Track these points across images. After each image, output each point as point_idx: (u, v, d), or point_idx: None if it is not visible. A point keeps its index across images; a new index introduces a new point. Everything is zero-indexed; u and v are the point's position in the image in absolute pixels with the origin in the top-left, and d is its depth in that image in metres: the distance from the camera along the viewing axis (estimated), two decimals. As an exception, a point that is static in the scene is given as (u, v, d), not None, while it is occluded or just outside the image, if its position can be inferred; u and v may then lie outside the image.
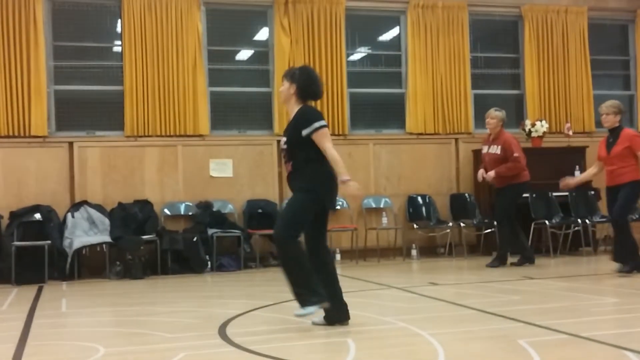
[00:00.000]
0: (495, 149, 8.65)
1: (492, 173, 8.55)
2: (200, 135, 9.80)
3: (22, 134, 9.20)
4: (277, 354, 4.23)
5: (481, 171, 8.77)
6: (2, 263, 8.51)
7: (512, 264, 8.62)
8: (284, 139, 5.13)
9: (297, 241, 4.96)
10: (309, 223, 5.02)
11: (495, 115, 8.72)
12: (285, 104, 5.24)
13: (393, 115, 10.78)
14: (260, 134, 10.12)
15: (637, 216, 10.02)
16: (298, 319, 5.09)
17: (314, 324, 5.11)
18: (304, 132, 4.95)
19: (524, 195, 9.16)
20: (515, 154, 8.52)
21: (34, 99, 9.22)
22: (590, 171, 8.07)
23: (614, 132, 7.62)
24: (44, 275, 8.38)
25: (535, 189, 9.83)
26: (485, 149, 8.85)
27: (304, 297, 4.92)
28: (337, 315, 5.10)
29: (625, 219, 7.62)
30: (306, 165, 5.00)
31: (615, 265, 7.68)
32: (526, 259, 8.68)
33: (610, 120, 7.63)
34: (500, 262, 8.66)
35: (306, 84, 5.07)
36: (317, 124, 4.96)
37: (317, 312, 4.94)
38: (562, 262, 9.13)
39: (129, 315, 6.06)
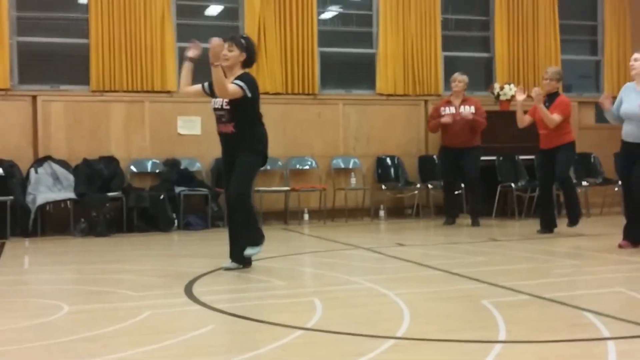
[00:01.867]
0: (469, 109, 9.05)
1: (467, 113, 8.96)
2: (167, 92, 9.64)
3: (-17, 87, 8.96)
4: (244, 313, 4.24)
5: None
6: (-37, 218, 8.36)
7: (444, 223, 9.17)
8: (221, 101, 5.57)
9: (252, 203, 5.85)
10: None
11: (462, 78, 9.20)
12: (227, 68, 5.60)
13: (363, 75, 10.71)
14: (228, 92, 9.97)
15: (600, 180, 10.25)
16: (259, 279, 5.11)
17: (226, 269, 5.72)
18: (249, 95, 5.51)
19: (491, 158, 9.70)
20: (484, 115, 9.13)
21: (-5, 50, 8.96)
22: (525, 118, 8.13)
23: (551, 98, 7.92)
24: (5, 231, 8.25)
25: (502, 152, 9.92)
26: (449, 110, 9.06)
27: (256, 238, 5.68)
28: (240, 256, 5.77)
29: (570, 180, 8.06)
30: (250, 128, 5.58)
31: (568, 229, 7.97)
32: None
33: (552, 86, 7.98)
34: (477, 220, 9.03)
35: (252, 53, 5.68)
36: (238, 81, 5.51)
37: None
38: (527, 224, 9.25)
39: (94, 273, 6.01)
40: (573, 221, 7.92)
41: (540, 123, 7.87)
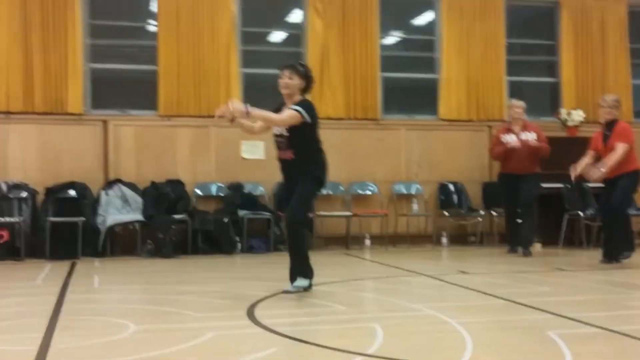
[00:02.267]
0: (531, 136, 8.82)
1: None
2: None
3: (58, 111, 9.31)
4: (305, 337, 4.25)
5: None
6: (37, 238, 8.67)
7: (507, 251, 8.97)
8: (281, 127, 5.60)
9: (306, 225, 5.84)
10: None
11: (520, 104, 8.98)
12: (287, 95, 5.67)
13: (426, 100, 10.70)
14: (292, 117, 10.09)
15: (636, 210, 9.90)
16: (320, 303, 5.12)
17: (285, 292, 5.72)
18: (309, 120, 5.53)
19: (557, 185, 9.42)
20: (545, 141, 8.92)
21: (70, 76, 9.32)
22: (584, 161, 7.89)
23: (610, 125, 7.69)
24: (77, 251, 8.52)
25: (570, 180, 9.68)
26: (511, 138, 8.83)
27: (306, 271, 5.71)
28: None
29: (625, 210, 7.70)
30: (310, 154, 5.62)
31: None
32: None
33: (612, 114, 7.73)
34: (530, 249, 8.73)
35: (310, 80, 5.72)
36: (297, 107, 5.53)
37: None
38: (595, 254, 8.98)
39: (159, 294, 6.13)
40: (618, 254, 7.62)
41: (604, 152, 7.63)
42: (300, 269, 5.72)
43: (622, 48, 11.10)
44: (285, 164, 5.74)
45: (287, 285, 5.84)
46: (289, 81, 5.62)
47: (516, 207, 8.90)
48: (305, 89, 5.73)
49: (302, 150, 5.60)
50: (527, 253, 8.65)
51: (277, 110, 5.73)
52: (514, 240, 9.03)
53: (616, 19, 11.10)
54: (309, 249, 5.90)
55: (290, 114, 5.52)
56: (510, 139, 8.85)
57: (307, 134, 5.60)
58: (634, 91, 11.10)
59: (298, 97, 5.67)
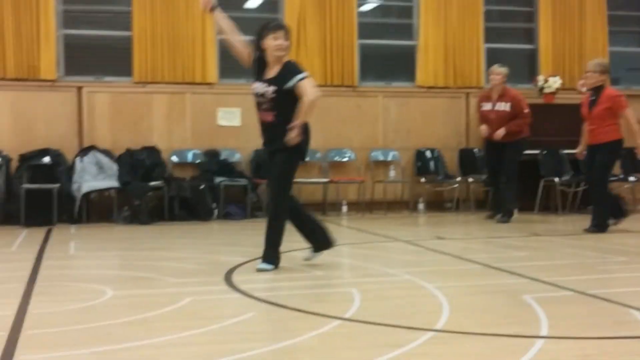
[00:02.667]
0: (504, 106, 8.64)
1: (501, 131, 8.52)
2: (208, 84, 9.73)
3: (31, 78, 9.15)
4: (283, 302, 4.27)
5: (483, 126, 8.72)
6: (11, 205, 8.57)
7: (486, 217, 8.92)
8: (268, 88, 5.20)
9: (288, 203, 5.36)
10: None
11: (499, 71, 8.74)
12: (278, 58, 5.26)
13: (403, 67, 10.66)
14: (269, 84, 10.02)
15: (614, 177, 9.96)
16: (298, 269, 5.14)
17: (306, 259, 5.50)
18: (292, 82, 5.14)
19: (534, 152, 9.29)
20: (526, 110, 8.63)
21: (43, 42, 9.14)
22: (585, 129, 7.90)
23: (597, 91, 7.54)
24: (52, 217, 8.45)
25: (546, 146, 9.77)
26: (487, 106, 8.78)
27: (274, 255, 5.29)
28: (326, 242, 5.51)
29: (605, 180, 7.67)
30: (291, 120, 5.12)
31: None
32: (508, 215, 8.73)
33: (595, 78, 7.50)
34: (509, 216, 8.66)
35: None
36: (305, 73, 5.21)
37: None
38: (571, 220, 9.12)
39: (137, 260, 6.11)
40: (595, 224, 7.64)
41: (588, 118, 7.58)
42: (271, 250, 5.32)
43: (600, 15, 11.10)
44: (265, 127, 5.34)
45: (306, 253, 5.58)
46: (287, 43, 5.23)
47: (497, 174, 8.83)
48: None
49: (284, 114, 5.16)
50: (502, 220, 8.62)
51: (260, 64, 5.32)
52: (494, 206, 9.05)
53: (594, -14, 11.10)
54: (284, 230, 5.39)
55: (311, 84, 5.19)
56: (487, 107, 8.81)
57: (293, 97, 5.17)
58: (612, 58, 11.12)
59: (284, 60, 5.27)
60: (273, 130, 5.25)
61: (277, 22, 5.51)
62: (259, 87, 5.28)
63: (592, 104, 7.55)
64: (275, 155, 5.28)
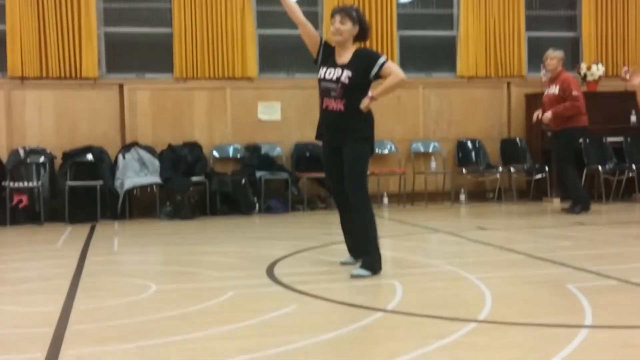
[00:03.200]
0: (554, 89, 8.34)
1: (548, 114, 8.25)
2: (248, 78, 9.78)
3: (73, 76, 9.31)
4: (324, 294, 4.28)
5: (537, 112, 8.51)
6: (55, 202, 8.74)
7: (564, 210, 8.41)
8: (344, 72, 4.88)
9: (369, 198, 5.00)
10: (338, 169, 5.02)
11: (554, 55, 8.40)
12: (339, 43, 4.97)
13: (444, 58, 10.56)
14: (308, 77, 9.97)
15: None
16: (340, 262, 5.15)
17: (343, 263, 5.19)
18: (377, 67, 4.86)
19: (580, 140, 8.85)
20: (575, 93, 8.20)
21: (84, 41, 9.29)
22: None
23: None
24: (96, 214, 8.59)
25: (589, 134, 9.56)
26: (546, 91, 8.54)
27: (374, 260, 4.88)
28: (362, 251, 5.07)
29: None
30: (359, 110, 4.85)
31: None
32: (582, 206, 8.33)
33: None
34: (582, 207, 8.24)
35: (365, 26, 5.04)
36: (382, 58, 4.93)
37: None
38: (615, 208, 8.95)
39: (180, 254, 6.19)
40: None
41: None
42: (367, 254, 4.92)
43: (643, 0, 10.86)
44: (330, 117, 4.95)
45: (345, 256, 5.28)
46: (340, 26, 4.91)
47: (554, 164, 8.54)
48: (360, 36, 5.01)
49: (356, 103, 4.83)
50: (571, 211, 8.23)
51: (326, 50, 5.07)
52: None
53: (638, -30, 10.84)
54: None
55: (396, 65, 5.02)
56: (546, 92, 8.53)
57: (365, 87, 4.88)
58: (655, 44, 10.90)
59: (352, 46, 4.99)
60: (342, 120, 4.90)
61: (335, 7, 5.18)
62: (331, 72, 4.93)
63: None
64: (345, 148, 4.93)
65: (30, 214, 8.61)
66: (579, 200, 8.32)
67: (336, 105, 4.91)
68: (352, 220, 5.06)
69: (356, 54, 4.96)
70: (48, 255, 6.31)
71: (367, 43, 9.95)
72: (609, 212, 8.67)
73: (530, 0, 10.73)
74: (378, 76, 4.90)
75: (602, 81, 10.24)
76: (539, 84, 9.88)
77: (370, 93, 4.83)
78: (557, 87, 8.32)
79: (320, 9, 10.05)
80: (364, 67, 4.90)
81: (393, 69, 4.90)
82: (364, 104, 4.82)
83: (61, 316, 3.89)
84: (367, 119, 4.95)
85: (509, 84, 10.52)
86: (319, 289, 4.45)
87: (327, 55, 5.06)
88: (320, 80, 5.02)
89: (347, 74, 4.88)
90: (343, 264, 5.21)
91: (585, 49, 10.74)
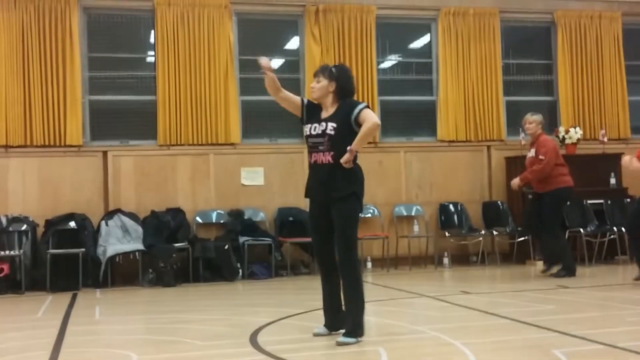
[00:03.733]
0: (532, 152, 8.48)
1: (516, 180, 8.47)
2: (231, 144, 9.86)
3: (57, 144, 9.33)
4: (309, 362, 4.23)
5: (515, 180, 8.63)
6: (37, 271, 8.64)
7: (551, 274, 8.39)
8: (328, 124, 4.91)
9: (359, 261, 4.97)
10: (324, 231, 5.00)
11: (533, 119, 8.54)
12: (319, 100, 5.06)
13: (424, 123, 10.73)
14: (291, 142, 10.13)
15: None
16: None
17: (316, 335, 5.06)
18: (356, 111, 4.86)
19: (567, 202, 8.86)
20: (541, 157, 8.29)
21: (69, 109, 9.36)
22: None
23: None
24: (78, 282, 8.48)
25: (565, 197, 9.68)
26: (528, 154, 8.64)
27: (358, 327, 4.83)
28: (338, 323, 5.02)
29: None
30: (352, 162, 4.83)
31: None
32: (567, 271, 8.33)
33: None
34: (568, 273, 8.25)
35: (345, 81, 5.03)
36: (363, 104, 4.97)
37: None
38: (598, 271, 8.99)
39: (162, 323, 6.10)
40: None
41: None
42: (353, 319, 4.84)
43: (617, 65, 11.16)
44: (320, 171, 4.92)
45: (318, 326, 5.13)
46: (315, 84, 5.03)
47: (538, 227, 8.53)
48: (342, 92, 5.00)
49: (343, 154, 4.80)
50: (558, 275, 8.24)
51: (310, 109, 5.11)
52: (544, 258, 8.64)
53: (611, 37, 11.17)
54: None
55: (372, 113, 4.95)
56: (528, 155, 8.65)
57: (351, 137, 4.83)
58: (632, 107, 11.14)
59: (335, 103, 5.00)
60: (331, 173, 4.85)
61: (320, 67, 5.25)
62: (316, 127, 4.97)
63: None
64: (334, 207, 4.87)
65: (12, 283, 8.47)
66: (567, 265, 8.32)
67: (325, 158, 4.89)
68: (334, 287, 4.98)
69: (340, 105, 4.99)
70: (28, 325, 6.20)
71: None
72: (591, 275, 8.70)
73: (508, 66, 11.00)
74: (358, 123, 4.86)
75: (580, 144, 10.43)
76: (518, 147, 10.06)
77: (348, 147, 4.79)
78: (534, 150, 8.46)
79: (302, 75, 10.23)
80: (346, 114, 4.90)
81: (368, 115, 4.88)
82: (345, 158, 4.77)
83: (40, 389, 3.81)
84: (357, 173, 4.91)
85: (489, 148, 10.68)
86: (303, 357, 4.41)
87: (312, 112, 5.08)
88: (307, 138, 5.04)
89: (331, 125, 4.90)
90: (316, 335, 5.05)
91: (562, 113, 10.97)
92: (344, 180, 4.85)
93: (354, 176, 4.89)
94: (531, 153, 8.51)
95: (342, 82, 5.01)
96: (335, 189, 4.86)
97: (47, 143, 9.30)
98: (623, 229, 9.36)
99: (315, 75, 5.09)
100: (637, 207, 7.67)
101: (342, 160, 4.79)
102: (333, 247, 4.98)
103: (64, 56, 9.37)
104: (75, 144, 9.37)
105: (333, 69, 5.06)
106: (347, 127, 4.87)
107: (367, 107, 4.97)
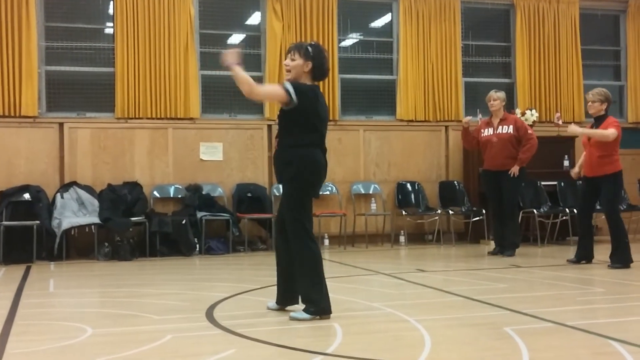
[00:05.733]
0: (507, 129, 8.52)
1: (516, 169, 8.40)
2: (191, 119, 9.78)
3: (12, 114, 9.15)
4: (264, 337, 4.26)
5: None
6: (-10, 243, 8.50)
7: (502, 254, 8.57)
8: (280, 112, 4.91)
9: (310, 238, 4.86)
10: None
11: (497, 96, 8.63)
12: (291, 79, 4.82)
13: (384, 101, 10.79)
14: (250, 118, 10.11)
15: (624, 207, 10.02)
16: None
17: (269, 308, 5.12)
18: (295, 102, 4.69)
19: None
20: (530, 132, 8.56)
21: (24, 79, 9.16)
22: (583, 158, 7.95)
23: (599, 121, 7.51)
24: (32, 255, 8.38)
25: (526, 177, 9.87)
26: (487, 132, 8.66)
27: (316, 303, 4.80)
28: (292, 298, 5.06)
29: (618, 212, 7.56)
30: (289, 148, 4.79)
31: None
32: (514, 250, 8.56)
33: (595, 108, 7.49)
34: (513, 250, 8.47)
35: (321, 62, 4.85)
36: (287, 83, 4.76)
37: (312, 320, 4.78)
38: (550, 251, 9.20)
39: (117, 297, 6.07)
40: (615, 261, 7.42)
41: (588, 147, 7.49)
42: (307, 293, 4.84)
43: (574, 49, 11.36)
44: (274, 156, 5.01)
45: (271, 300, 5.18)
46: (289, 62, 4.81)
47: (499, 207, 8.58)
48: (316, 73, 4.83)
49: (286, 140, 4.79)
50: (509, 254, 8.41)
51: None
52: (497, 241, 8.73)
53: (569, 21, 11.35)
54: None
55: (272, 87, 4.75)
56: (488, 132, 8.67)
57: (292, 121, 4.76)
58: (586, 91, 11.32)
59: (306, 82, 4.84)
60: (277, 157, 4.90)
61: (291, 44, 5.07)
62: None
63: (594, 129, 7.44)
64: (282, 187, 4.95)
65: (-38, 255, 8.34)
66: (516, 245, 8.56)
67: (276, 143, 4.93)
68: (286, 261, 4.98)
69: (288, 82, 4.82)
70: (-21, 297, 6.11)
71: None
72: (544, 255, 8.90)
73: (467, 47, 11.09)
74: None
75: (536, 126, 10.59)
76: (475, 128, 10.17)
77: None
78: (510, 127, 8.53)
79: (263, 51, 10.17)
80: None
81: (269, 85, 4.66)
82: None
83: (-8, 362, 3.78)
84: (294, 158, 4.76)
85: (447, 128, 10.79)
86: (259, 331, 4.44)
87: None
88: None
89: (278, 112, 4.91)
90: (269, 309, 5.11)
91: (519, 95, 11.14)
92: (285, 161, 4.81)
93: (290, 159, 4.78)
94: (503, 129, 8.53)
95: (318, 62, 4.83)
96: (280, 170, 4.87)
97: (1, 113, 9.11)
98: (575, 210, 9.60)
99: (289, 52, 4.87)
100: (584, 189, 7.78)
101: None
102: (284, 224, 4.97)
103: (20, 25, 9.15)
104: (30, 114, 9.20)
105: (309, 48, 4.84)
106: (282, 114, 4.81)
107: (294, 87, 4.72)
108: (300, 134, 4.79)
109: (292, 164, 4.78)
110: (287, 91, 4.70)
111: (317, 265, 4.86)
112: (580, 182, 7.88)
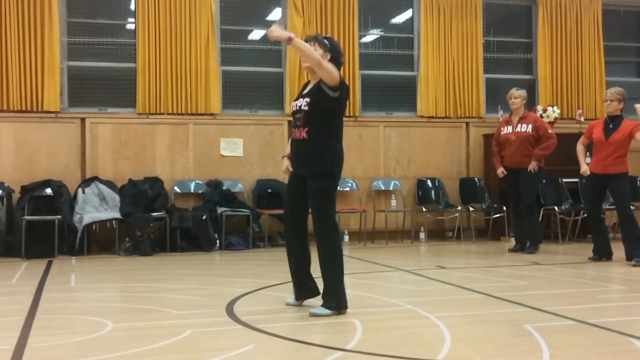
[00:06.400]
0: (526, 128, 8.53)
1: (534, 164, 8.40)
2: (211, 114, 9.81)
3: (34, 109, 9.23)
4: (284, 333, 4.27)
5: (500, 169, 8.65)
6: (12, 237, 8.58)
7: (523, 251, 8.52)
8: (304, 101, 4.86)
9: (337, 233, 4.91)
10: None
11: (518, 94, 8.63)
12: (310, 71, 4.91)
13: (404, 98, 10.75)
14: (271, 114, 10.12)
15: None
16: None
17: (288, 304, 5.16)
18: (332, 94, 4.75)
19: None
20: (550, 131, 8.56)
21: (47, 74, 9.24)
22: (583, 155, 7.95)
23: (615, 120, 7.53)
24: (53, 249, 8.45)
25: (545, 175, 9.79)
26: (508, 129, 8.67)
27: (336, 299, 4.82)
28: (309, 291, 5.11)
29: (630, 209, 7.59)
30: (326, 138, 4.79)
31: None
32: (536, 248, 8.53)
33: (614, 107, 7.52)
34: (536, 248, 8.49)
35: (338, 54, 4.93)
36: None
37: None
38: (571, 248, 9.13)
39: (138, 292, 6.11)
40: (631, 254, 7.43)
41: (604, 144, 7.50)
42: (331, 285, 4.84)
43: (596, 45, 11.24)
44: (297, 146, 4.88)
45: (289, 298, 5.24)
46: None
47: (518, 204, 8.60)
48: (333, 65, 4.83)
49: (317, 131, 4.78)
50: (530, 251, 8.45)
51: (303, 87, 5.04)
52: (517, 238, 8.74)
53: (591, 17, 11.23)
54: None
55: (332, 66, 4.76)
56: (507, 130, 8.68)
57: (328, 112, 4.79)
58: (608, 88, 11.23)
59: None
60: (306, 149, 4.82)
61: (308, 36, 5.13)
62: (297, 103, 4.93)
63: (610, 131, 7.49)
64: (309, 181, 4.84)
65: (-14, 249, 8.44)
66: (538, 241, 8.54)
67: (300, 133, 4.86)
68: (301, 256, 5.02)
69: (319, 81, 4.85)
70: (3, 291, 6.17)
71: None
72: (564, 252, 8.84)
73: (488, 43, 11.02)
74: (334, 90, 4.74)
75: (557, 123, 10.51)
76: (496, 125, 10.10)
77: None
78: (530, 126, 8.54)
79: (284, 47, 10.17)
80: (317, 86, 4.81)
81: (328, 62, 4.76)
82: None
83: (14, 354, 3.81)
84: (330, 150, 4.81)
85: (467, 124, 10.73)
86: (279, 327, 4.44)
87: (302, 89, 5.07)
88: (292, 114, 5.01)
89: (306, 100, 4.85)
90: (288, 304, 5.16)
91: (541, 92, 11.05)
92: (318, 154, 4.80)
93: (328, 152, 4.82)
94: (522, 128, 8.54)
95: (336, 54, 4.91)
96: (310, 162, 4.82)
97: (24, 108, 9.19)
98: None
99: (308, 42, 4.90)
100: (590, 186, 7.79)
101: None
102: (302, 221, 5.00)
103: (42, 21, 9.22)
104: (52, 110, 9.27)
105: (326, 41, 4.92)
106: (318, 102, 4.79)
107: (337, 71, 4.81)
108: (333, 126, 4.84)
109: (326, 158, 4.80)
110: (340, 76, 4.78)
111: (341, 258, 4.90)
112: (585, 180, 7.87)
